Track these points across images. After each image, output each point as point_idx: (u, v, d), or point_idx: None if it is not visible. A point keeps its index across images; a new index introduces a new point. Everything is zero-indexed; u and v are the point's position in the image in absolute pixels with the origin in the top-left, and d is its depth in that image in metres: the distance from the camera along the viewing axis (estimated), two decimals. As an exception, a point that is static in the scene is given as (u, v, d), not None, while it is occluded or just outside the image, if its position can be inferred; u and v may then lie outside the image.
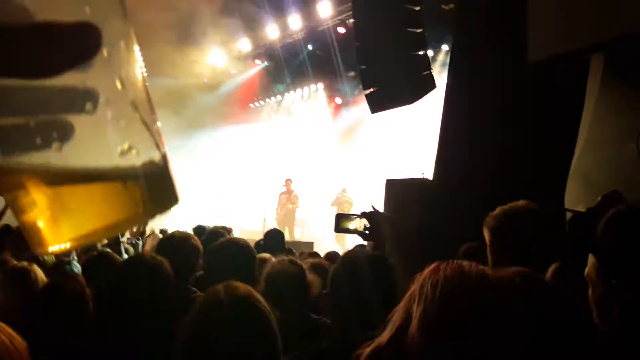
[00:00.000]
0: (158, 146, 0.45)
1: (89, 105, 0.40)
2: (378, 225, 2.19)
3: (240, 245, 2.31)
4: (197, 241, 2.54)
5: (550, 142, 3.65)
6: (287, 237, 10.50)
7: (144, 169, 0.43)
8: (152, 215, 0.45)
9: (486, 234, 1.75)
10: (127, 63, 0.43)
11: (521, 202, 1.73)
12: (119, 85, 0.42)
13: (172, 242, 2.50)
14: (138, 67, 0.45)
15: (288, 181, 11.62)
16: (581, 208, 4.84)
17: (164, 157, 0.46)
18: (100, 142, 0.41)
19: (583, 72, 3.74)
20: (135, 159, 0.42)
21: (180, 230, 3.07)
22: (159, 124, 0.46)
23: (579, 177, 3.84)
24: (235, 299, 1.12)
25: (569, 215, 4.14)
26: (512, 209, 1.72)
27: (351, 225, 2.34)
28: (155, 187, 0.44)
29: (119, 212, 0.42)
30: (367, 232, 2.25)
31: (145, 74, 0.46)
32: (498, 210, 1.74)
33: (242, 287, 1.18)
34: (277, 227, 10.78)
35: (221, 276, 1.56)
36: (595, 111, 4.41)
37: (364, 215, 2.25)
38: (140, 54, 0.45)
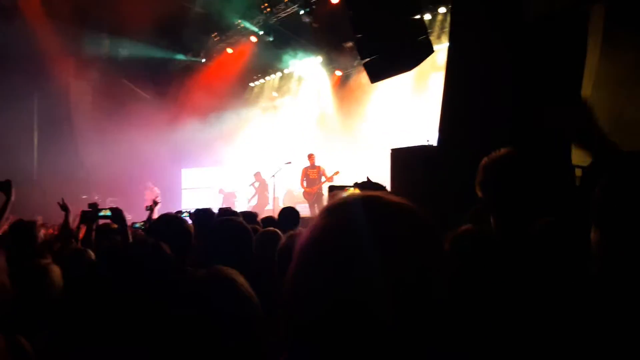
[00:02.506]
0: None
1: None
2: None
3: (234, 226, 2.33)
4: (187, 224, 2.56)
5: (553, 99, 3.60)
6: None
7: None
8: None
9: (477, 191, 1.71)
10: None
11: (502, 150, 1.67)
12: None
13: (163, 225, 2.52)
14: None
15: (311, 155, 10.96)
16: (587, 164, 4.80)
17: None
18: None
19: (582, 24, 3.66)
20: None
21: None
22: None
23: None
24: (215, 276, 1.21)
25: (578, 171, 4.11)
26: (492, 158, 1.67)
27: None
28: None
29: None
30: None
31: None
32: (482, 162, 1.69)
33: (224, 269, 1.25)
34: (306, 202, 10.40)
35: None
36: (599, 63, 4.32)
37: (356, 185, 2.26)
38: None
